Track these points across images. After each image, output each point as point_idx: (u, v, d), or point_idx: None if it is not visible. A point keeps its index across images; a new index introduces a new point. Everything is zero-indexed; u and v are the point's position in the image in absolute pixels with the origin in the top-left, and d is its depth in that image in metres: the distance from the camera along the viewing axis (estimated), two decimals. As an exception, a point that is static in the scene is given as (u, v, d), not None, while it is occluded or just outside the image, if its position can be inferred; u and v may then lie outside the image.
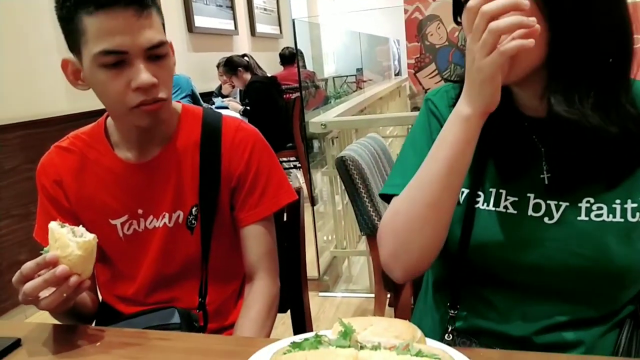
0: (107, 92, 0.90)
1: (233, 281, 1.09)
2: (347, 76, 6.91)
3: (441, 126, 0.75)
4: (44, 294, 0.77)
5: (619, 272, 0.73)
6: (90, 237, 0.78)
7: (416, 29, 4.34)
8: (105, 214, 1.02)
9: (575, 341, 0.77)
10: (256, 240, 1.03)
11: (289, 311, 1.22)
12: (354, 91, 6.35)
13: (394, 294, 1.12)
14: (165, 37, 0.91)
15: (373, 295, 2.00)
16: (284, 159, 4.55)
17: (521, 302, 0.79)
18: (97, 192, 1.01)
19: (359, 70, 6.80)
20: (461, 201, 0.81)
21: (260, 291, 1.02)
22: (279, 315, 1.19)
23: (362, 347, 0.56)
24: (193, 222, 1.02)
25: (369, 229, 1.71)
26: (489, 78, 0.65)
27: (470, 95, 0.68)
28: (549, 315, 0.77)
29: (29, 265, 0.77)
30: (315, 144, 4.48)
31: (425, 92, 4.53)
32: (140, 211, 1.01)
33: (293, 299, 1.20)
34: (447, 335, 0.81)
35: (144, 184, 1.01)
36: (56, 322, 0.95)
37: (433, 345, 0.62)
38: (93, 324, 1.07)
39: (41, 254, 0.77)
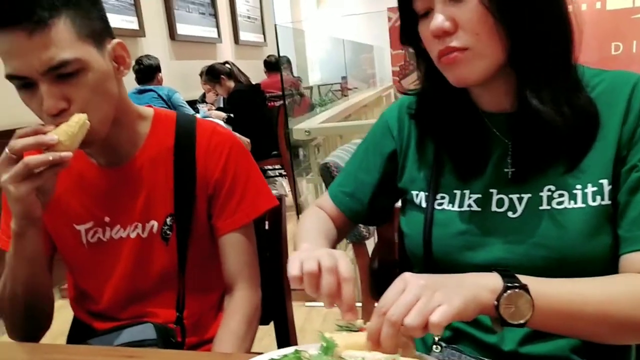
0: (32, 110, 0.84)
1: (212, 293, 1.04)
2: (332, 84, 6.91)
3: (394, 143, 0.87)
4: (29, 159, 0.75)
5: (583, 260, 0.71)
6: (83, 115, 0.79)
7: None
8: (69, 217, 0.97)
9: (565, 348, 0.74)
10: (235, 250, 0.99)
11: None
12: (339, 99, 6.34)
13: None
14: (80, 50, 0.80)
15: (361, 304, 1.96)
16: (269, 167, 4.50)
17: None
18: (62, 195, 0.96)
19: (344, 78, 6.80)
20: (419, 204, 0.82)
21: (240, 302, 0.97)
22: (264, 327, 1.15)
23: (345, 363, 0.52)
24: (168, 232, 0.97)
25: (355, 237, 1.67)
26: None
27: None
28: None
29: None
30: (301, 152, 4.44)
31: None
32: (107, 219, 0.97)
33: (276, 310, 1.15)
34: (435, 346, 0.77)
35: (113, 191, 0.96)
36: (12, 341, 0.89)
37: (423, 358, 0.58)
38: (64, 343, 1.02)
39: None
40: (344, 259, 0.65)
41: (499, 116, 0.78)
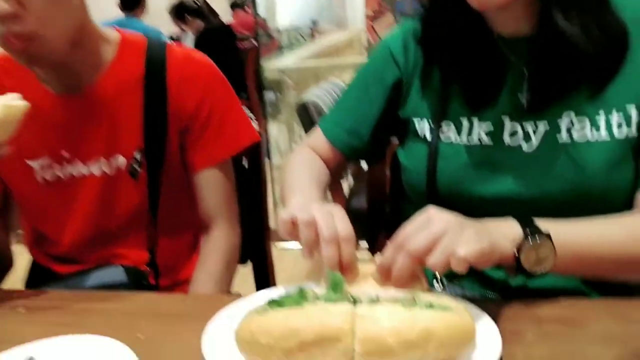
0: None
1: (186, 232, 0.97)
2: (300, 27, 6.70)
3: (399, 70, 0.80)
4: None
5: (599, 196, 0.68)
6: (20, 103, 0.71)
7: (375, -20, 4.21)
8: (20, 152, 0.86)
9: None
10: (213, 187, 0.91)
11: (247, 265, 1.12)
12: (306, 41, 6.18)
13: (367, 240, 1.03)
14: None
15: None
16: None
17: None
18: None
19: (314, 21, 6.60)
20: (422, 136, 0.77)
21: (218, 242, 0.91)
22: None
23: (356, 301, 0.46)
24: (137, 168, 0.88)
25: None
26: None
27: None
28: None
29: None
30: (268, 95, 4.32)
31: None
32: (65, 154, 0.87)
33: (254, 249, 1.10)
34: (437, 284, 0.73)
35: (71, 122, 0.86)
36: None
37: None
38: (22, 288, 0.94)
39: None
40: (340, 217, 0.59)
41: (516, 40, 0.72)
